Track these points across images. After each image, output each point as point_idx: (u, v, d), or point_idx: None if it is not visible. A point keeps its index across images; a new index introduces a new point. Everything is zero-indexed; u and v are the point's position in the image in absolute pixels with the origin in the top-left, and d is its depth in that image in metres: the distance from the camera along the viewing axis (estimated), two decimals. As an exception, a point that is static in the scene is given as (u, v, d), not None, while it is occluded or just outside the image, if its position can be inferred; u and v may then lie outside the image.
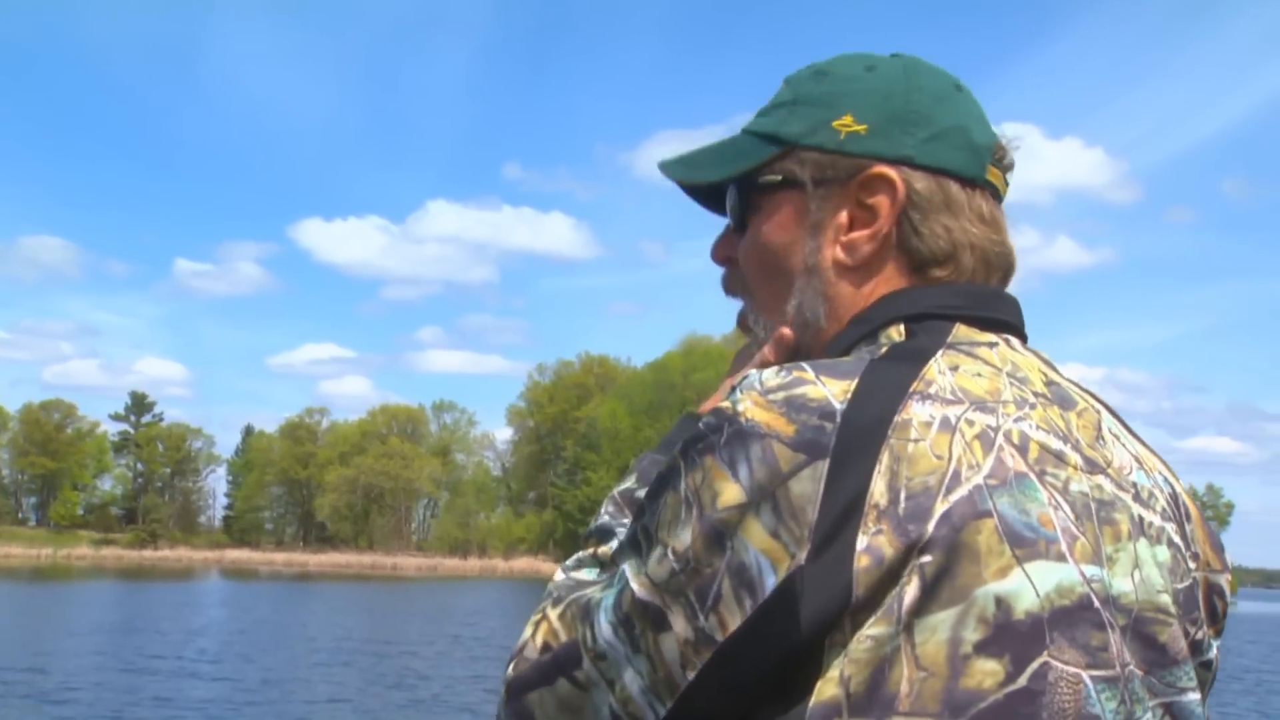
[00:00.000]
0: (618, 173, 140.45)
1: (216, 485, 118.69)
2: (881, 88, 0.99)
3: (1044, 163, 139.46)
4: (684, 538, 0.83)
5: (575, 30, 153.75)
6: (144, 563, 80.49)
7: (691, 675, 0.83)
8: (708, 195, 1.09)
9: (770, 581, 0.81)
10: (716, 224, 1.09)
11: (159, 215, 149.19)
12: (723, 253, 1.08)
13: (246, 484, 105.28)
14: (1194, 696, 0.89)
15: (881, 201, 0.96)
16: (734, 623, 0.82)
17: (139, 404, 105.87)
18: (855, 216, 0.98)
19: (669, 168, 1.08)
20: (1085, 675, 0.81)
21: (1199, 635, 0.93)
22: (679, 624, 0.83)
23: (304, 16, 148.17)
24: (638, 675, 0.85)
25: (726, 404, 0.86)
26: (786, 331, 1.01)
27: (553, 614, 0.91)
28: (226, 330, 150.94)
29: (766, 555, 0.81)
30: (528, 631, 0.92)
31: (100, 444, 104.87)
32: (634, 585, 0.85)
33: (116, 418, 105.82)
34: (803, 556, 0.80)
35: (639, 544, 0.87)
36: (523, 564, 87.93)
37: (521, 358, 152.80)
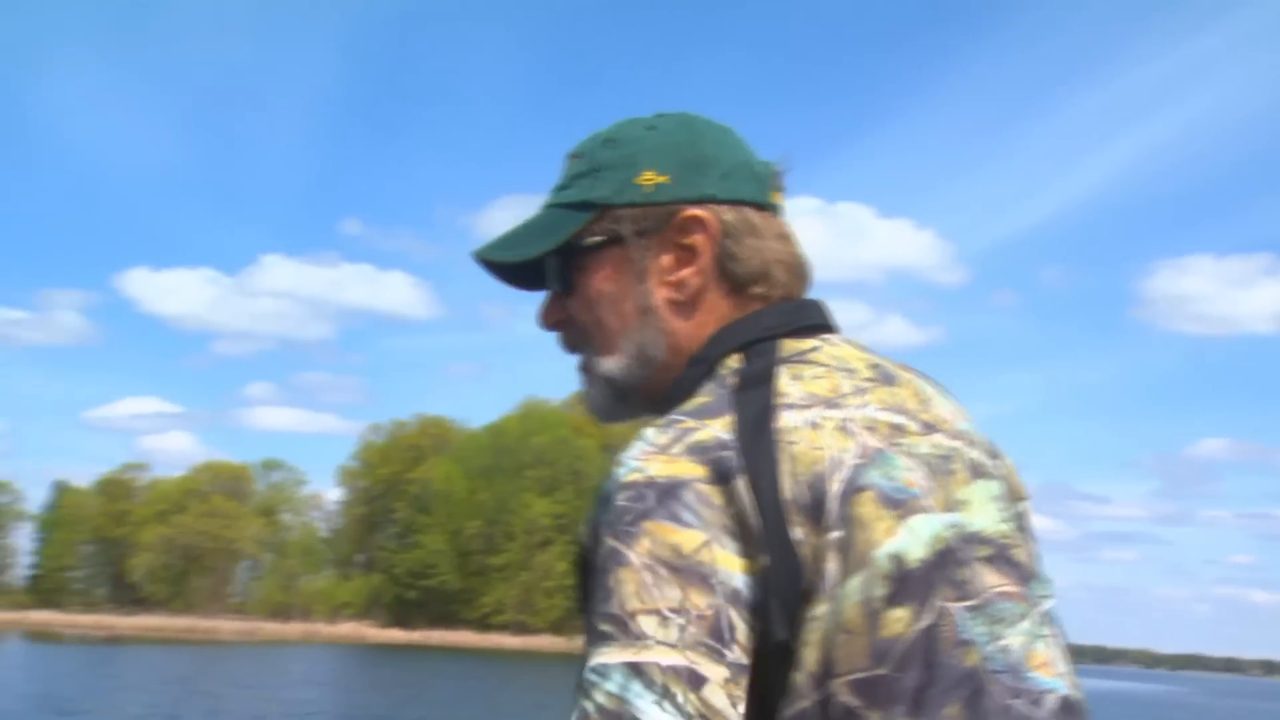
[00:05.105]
0: (459, 234, 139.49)
1: (22, 542, 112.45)
2: (669, 141, 1.11)
3: (876, 242, 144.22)
4: (672, 595, 0.87)
5: (421, 91, 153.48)
6: (-63, 624, 75.54)
7: (742, 709, 0.87)
8: (516, 274, 1.17)
9: (759, 595, 0.90)
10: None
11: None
12: (552, 318, 1.16)
13: (55, 541, 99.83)
14: (1052, 603, 1.02)
15: (699, 239, 1.08)
16: (751, 644, 0.89)
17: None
18: (677, 257, 1.09)
19: (490, 252, 1.15)
20: (956, 607, 0.93)
21: (1035, 550, 1.05)
22: (713, 670, 0.86)
23: (141, 62, 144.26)
24: None
25: (635, 476, 0.92)
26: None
27: None
28: (42, 381, 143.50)
29: (746, 573, 0.90)
30: None
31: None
32: (651, 659, 0.86)
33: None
34: (764, 561, 0.90)
35: (621, 628, 0.87)
36: (347, 629, 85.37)
37: (357, 417, 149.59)
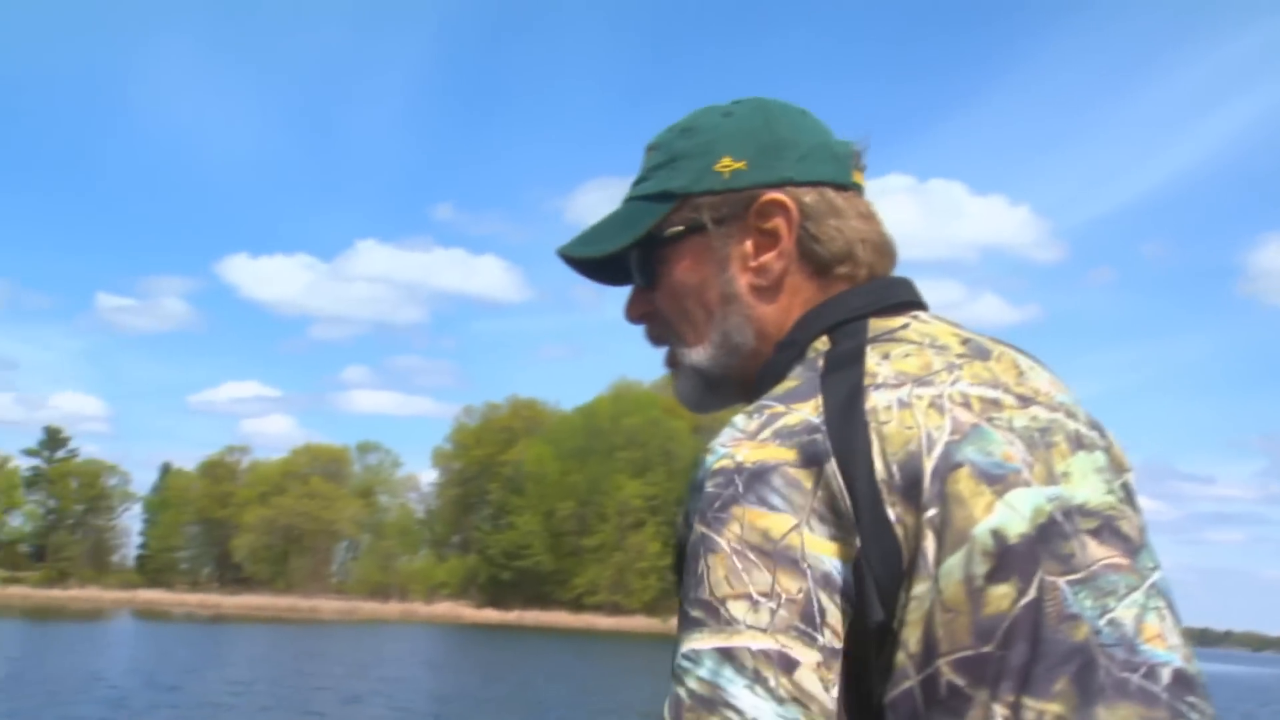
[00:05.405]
0: (550, 217, 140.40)
1: (131, 524, 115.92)
2: (745, 126, 1.11)
3: (969, 219, 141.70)
4: (761, 580, 0.87)
5: (511, 76, 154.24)
6: (52, 602, 78.24)
7: (836, 693, 0.87)
8: (601, 269, 1.17)
9: (853, 577, 0.89)
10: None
11: (82, 248, 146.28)
12: (638, 311, 1.16)
13: (162, 523, 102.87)
14: (1160, 574, 0.99)
15: (779, 223, 1.07)
16: (843, 627, 0.89)
17: (53, 439, 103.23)
18: (758, 242, 1.08)
19: (573, 249, 1.15)
20: (1061, 581, 0.91)
21: (1141, 522, 1.02)
22: (805, 654, 0.86)
23: (237, 52, 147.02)
24: None
25: (724, 463, 0.92)
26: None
27: None
28: (148, 366, 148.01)
29: (837, 557, 0.89)
30: None
31: (11, 479, 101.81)
32: (742, 644, 0.86)
33: (29, 453, 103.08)
34: (857, 543, 0.89)
35: (712, 613, 0.88)
36: (444, 608, 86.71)
37: (450, 399, 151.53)
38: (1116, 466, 1.03)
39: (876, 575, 0.89)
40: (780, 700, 0.85)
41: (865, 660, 0.89)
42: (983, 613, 0.89)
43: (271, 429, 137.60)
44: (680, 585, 0.93)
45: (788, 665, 0.86)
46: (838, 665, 0.88)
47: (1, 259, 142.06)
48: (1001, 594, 0.89)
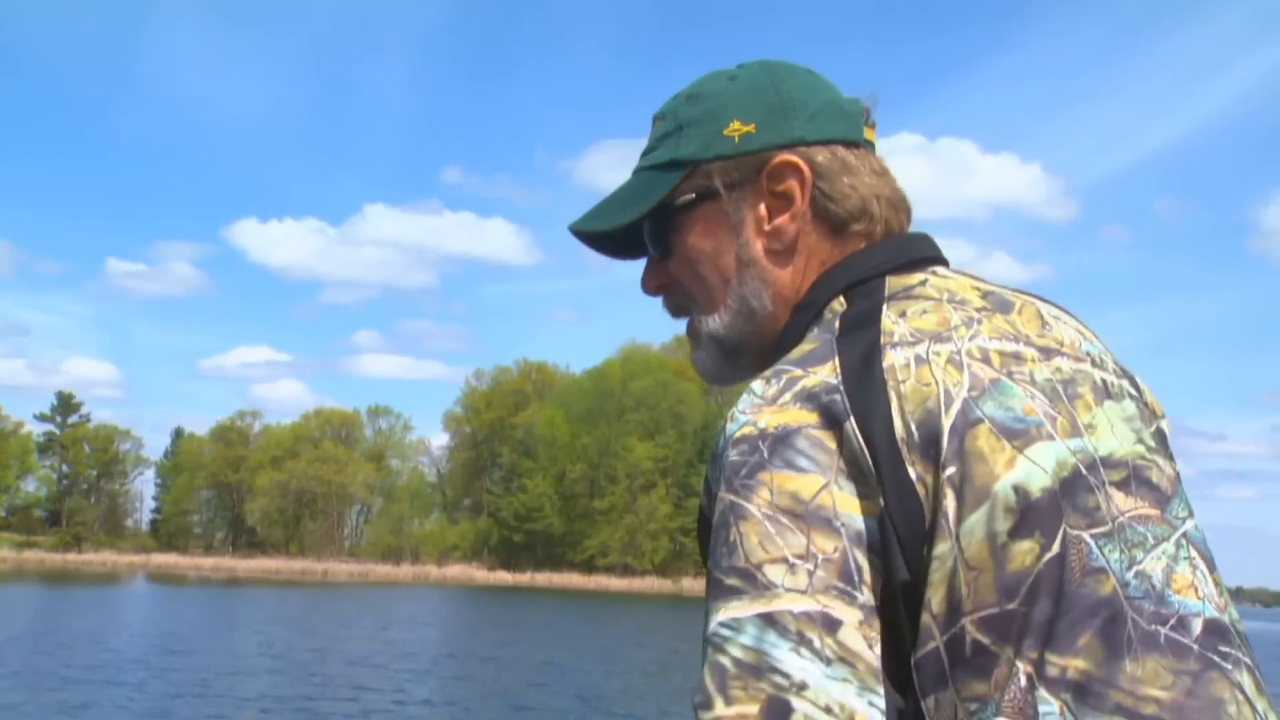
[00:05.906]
0: (559, 179, 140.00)
1: (144, 488, 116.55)
2: (752, 88, 1.09)
3: (979, 178, 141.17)
4: (796, 542, 0.87)
5: (519, 38, 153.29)
6: (67, 566, 78.87)
7: (879, 650, 0.87)
8: (615, 243, 1.16)
9: (880, 537, 0.89)
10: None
11: (92, 214, 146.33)
12: (654, 282, 1.15)
13: (175, 487, 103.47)
14: (1193, 523, 0.97)
15: (792, 184, 1.06)
16: (879, 584, 0.88)
17: (66, 404, 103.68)
18: (772, 205, 1.07)
19: (585, 223, 1.14)
20: (1086, 535, 0.90)
21: (1174, 471, 1.01)
22: (847, 613, 0.86)
23: (245, 16, 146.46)
24: (845, 682, 0.85)
25: (747, 429, 0.91)
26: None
27: (727, 709, 0.85)
28: (158, 331, 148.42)
29: (866, 514, 0.89)
30: None
31: (24, 444, 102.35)
32: (783, 607, 0.86)
33: (42, 418, 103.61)
34: (881, 503, 0.89)
35: (749, 580, 0.87)
36: (456, 571, 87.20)
37: (460, 363, 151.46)
38: (1148, 414, 1.02)
39: (900, 535, 0.89)
40: (827, 661, 0.84)
41: (895, 620, 0.89)
42: (1006, 570, 0.88)
43: (282, 394, 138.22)
44: (708, 555, 0.92)
45: (831, 625, 0.85)
46: (878, 623, 0.87)
47: (12, 225, 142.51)
48: (1025, 550, 0.88)
